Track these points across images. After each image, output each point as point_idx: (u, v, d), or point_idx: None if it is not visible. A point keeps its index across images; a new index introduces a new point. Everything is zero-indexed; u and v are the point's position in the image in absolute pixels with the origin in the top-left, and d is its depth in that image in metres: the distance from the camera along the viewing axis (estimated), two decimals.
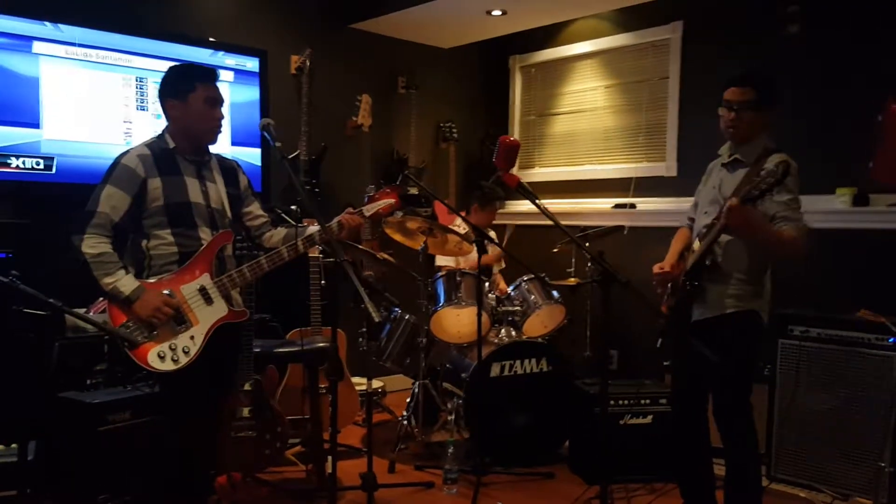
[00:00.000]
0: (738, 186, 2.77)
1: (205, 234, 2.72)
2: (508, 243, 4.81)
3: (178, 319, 2.61)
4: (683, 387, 3.10)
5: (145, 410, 3.16)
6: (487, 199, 4.79)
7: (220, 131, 2.79)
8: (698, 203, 3.12)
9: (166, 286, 2.63)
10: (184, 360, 2.59)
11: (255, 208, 2.97)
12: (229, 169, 2.91)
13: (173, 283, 2.64)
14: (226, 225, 2.82)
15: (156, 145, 2.72)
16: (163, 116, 2.77)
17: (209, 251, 2.71)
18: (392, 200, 2.99)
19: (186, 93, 2.69)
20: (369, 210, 2.88)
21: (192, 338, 2.63)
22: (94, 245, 2.54)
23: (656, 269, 3.03)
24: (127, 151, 2.69)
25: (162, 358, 2.56)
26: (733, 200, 2.62)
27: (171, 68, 2.83)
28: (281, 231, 2.95)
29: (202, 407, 2.78)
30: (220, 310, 2.70)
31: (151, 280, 2.64)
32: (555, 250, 4.65)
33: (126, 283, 2.55)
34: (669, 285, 3.04)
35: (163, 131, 2.76)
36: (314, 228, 2.80)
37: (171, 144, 2.72)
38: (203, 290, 2.67)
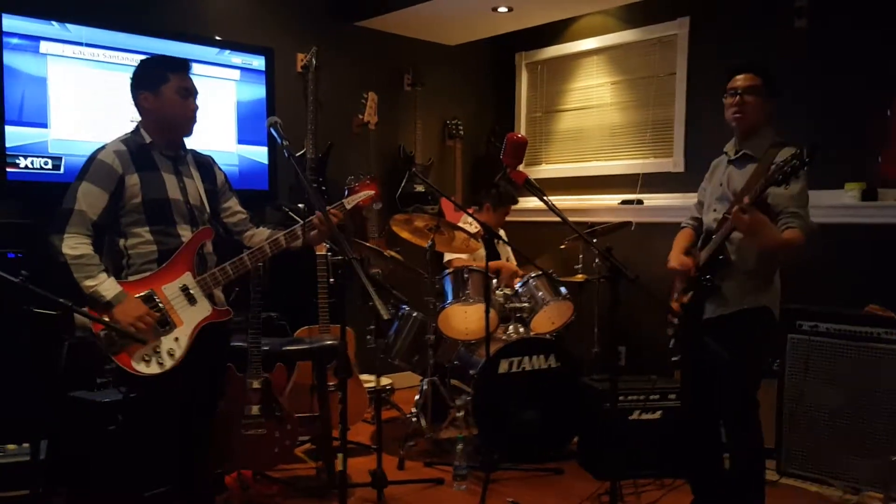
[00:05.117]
0: (749, 180, 2.74)
1: (184, 232, 2.65)
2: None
3: (162, 321, 2.54)
4: (696, 383, 3.08)
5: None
6: (502, 199, 4.72)
7: (195, 122, 2.72)
8: (703, 202, 3.09)
9: (147, 286, 2.55)
10: (169, 363, 2.51)
11: (233, 204, 2.89)
12: (205, 164, 2.83)
13: (154, 282, 2.56)
14: (205, 221, 2.75)
15: (131, 141, 2.63)
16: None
17: (190, 249, 2.63)
18: (372, 192, 2.99)
19: (159, 84, 2.61)
20: (350, 202, 2.82)
21: (176, 339, 2.55)
22: (74, 246, 2.47)
23: (674, 264, 3.00)
24: (103, 147, 2.60)
25: (147, 361, 2.48)
26: (744, 201, 2.59)
27: (142, 61, 2.71)
28: (264, 231, 2.89)
29: (188, 410, 2.70)
30: (203, 309, 2.63)
31: (132, 279, 2.56)
32: (562, 246, 4.65)
33: (108, 287, 2.47)
34: (682, 281, 3.03)
35: (137, 126, 2.68)
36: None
37: (147, 139, 2.65)
38: (185, 290, 2.60)
